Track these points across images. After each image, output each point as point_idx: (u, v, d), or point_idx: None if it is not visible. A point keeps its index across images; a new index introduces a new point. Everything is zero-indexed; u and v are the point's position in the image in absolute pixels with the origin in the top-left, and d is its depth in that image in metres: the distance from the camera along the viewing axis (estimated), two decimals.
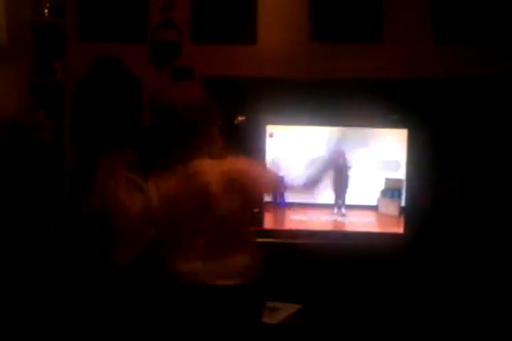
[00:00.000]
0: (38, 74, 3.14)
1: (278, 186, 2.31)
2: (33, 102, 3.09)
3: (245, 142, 2.95)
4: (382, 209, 2.91)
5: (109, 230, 2.24)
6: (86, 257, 2.20)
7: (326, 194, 2.92)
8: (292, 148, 2.93)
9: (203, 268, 1.87)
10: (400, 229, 2.90)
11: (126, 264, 2.24)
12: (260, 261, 1.95)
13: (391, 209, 2.90)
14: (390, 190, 2.91)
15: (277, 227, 2.93)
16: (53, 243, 2.27)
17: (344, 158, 2.89)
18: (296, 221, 2.92)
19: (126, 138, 2.68)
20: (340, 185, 2.91)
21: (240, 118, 3.04)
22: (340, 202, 2.91)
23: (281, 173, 2.65)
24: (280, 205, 2.91)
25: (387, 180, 2.92)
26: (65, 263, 2.22)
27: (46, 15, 3.18)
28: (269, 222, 2.92)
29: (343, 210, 2.92)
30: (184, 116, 1.90)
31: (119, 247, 2.24)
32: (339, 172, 2.90)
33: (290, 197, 2.88)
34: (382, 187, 2.91)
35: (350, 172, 2.90)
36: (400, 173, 2.90)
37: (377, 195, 2.92)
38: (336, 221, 2.92)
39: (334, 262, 2.75)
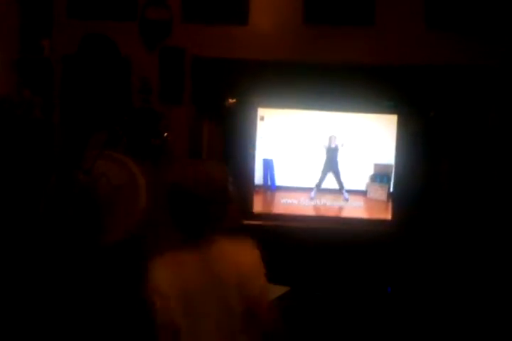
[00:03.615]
0: (25, 51, 3.08)
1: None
2: (20, 79, 3.04)
3: (236, 125, 2.94)
4: (371, 194, 2.93)
5: (98, 208, 2.23)
6: (74, 236, 2.18)
7: (316, 178, 2.92)
8: (283, 132, 2.92)
9: None
10: (387, 215, 2.92)
11: (114, 243, 2.23)
12: None
13: (379, 194, 2.92)
14: (379, 175, 2.92)
15: (266, 211, 2.93)
16: (42, 221, 2.25)
17: (336, 143, 2.90)
18: (286, 205, 2.93)
19: (115, 118, 2.66)
20: (332, 170, 2.91)
21: (231, 100, 3.01)
22: (340, 187, 2.92)
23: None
24: (270, 188, 2.92)
25: (376, 165, 2.93)
26: (54, 242, 2.20)
27: None
28: (258, 205, 2.92)
29: (346, 195, 2.93)
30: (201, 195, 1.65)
31: (107, 224, 2.24)
32: (331, 156, 2.91)
33: (280, 181, 2.90)
34: (371, 172, 2.92)
35: (340, 157, 2.90)
36: (390, 158, 2.91)
37: (366, 179, 2.93)
38: (317, 205, 2.93)
39: (322, 246, 2.77)
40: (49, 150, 2.64)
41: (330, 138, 2.90)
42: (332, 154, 2.91)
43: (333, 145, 2.90)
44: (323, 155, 2.91)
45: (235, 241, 1.69)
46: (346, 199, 2.93)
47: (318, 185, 2.91)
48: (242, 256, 1.68)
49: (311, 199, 2.93)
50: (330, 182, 2.92)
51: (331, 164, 2.91)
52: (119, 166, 2.39)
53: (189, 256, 1.65)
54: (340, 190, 2.92)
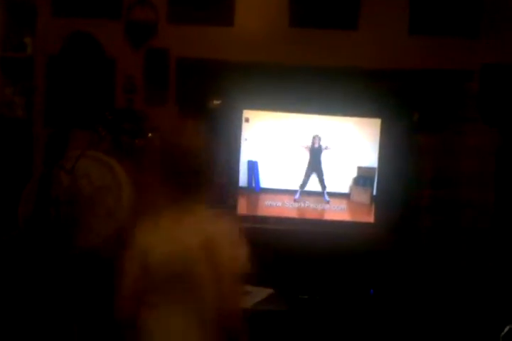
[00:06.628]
0: (8, 49, 3.04)
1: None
2: (2, 78, 3.00)
3: (221, 126, 2.93)
4: (354, 197, 2.94)
5: (79, 208, 2.20)
6: (53, 237, 2.16)
7: (300, 179, 2.92)
8: (268, 134, 2.92)
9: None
10: (370, 218, 2.93)
11: (96, 247, 2.21)
12: None
13: (363, 197, 2.93)
14: (363, 178, 2.93)
15: (250, 213, 2.93)
16: (21, 222, 2.22)
17: (319, 143, 2.90)
18: (270, 207, 2.92)
19: (99, 118, 2.64)
20: (316, 170, 2.92)
21: (216, 102, 3.00)
22: (322, 188, 2.92)
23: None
24: (254, 190, 2.91)
25: (359, 168, 2.94)
26: (33, 243, 2.17)
27: None
28: (242, 208, 2.91)
29: (327, 197, 2.94)
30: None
31: (89, 228, 2.21)
32: (314, 157, 2.91)
33: (265, 183, 2.90)
34: (354, 175, 2.93)
35: (324, 159, 2.91)
36: (373, 161, 2.92)
37: (350, 182, 2.94)
38: (301, 207, 2.93)
39: (306, 248, 2.77)
40: (30, 150, 2.61)
41: (313, 137, 2.90)
42: (315, 154, 2.91)
43: (316, 145, 2.91)
44: (307, 157, 2.91)
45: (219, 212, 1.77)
46: (327, 201, 2.93)
47: (302, 187, 2.92)
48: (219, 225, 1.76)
49: (295, 201, 2.93)
50: (314, 185, 2.92)
51: (315, 164, 2.91)
52: (102, 166, 2.37)
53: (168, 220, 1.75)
54: (322, 192, 2.92)
